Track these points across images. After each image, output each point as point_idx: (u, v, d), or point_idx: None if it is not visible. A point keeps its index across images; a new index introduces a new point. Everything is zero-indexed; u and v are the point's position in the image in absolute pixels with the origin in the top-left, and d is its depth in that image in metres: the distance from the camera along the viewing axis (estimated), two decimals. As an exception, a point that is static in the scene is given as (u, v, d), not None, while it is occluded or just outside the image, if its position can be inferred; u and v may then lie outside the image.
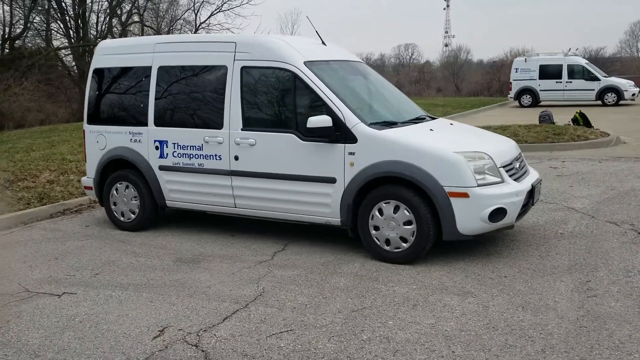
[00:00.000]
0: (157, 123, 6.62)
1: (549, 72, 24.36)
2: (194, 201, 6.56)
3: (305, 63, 5.88)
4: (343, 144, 5.61)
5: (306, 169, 5.81)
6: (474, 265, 5.44)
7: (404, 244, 5.47)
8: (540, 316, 4.30)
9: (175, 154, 6.51)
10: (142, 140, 6.70)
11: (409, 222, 5.42)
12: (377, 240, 5.59)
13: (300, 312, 4.52)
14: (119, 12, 34.00)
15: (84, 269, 5.71)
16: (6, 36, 23.84)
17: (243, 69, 6.11)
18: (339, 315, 4.44)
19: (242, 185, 6.16)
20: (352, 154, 5.59)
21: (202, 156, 6.34)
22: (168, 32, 35.53)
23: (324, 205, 5.79)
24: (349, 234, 5.81)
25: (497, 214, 5.30)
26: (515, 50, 56.16)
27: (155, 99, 6.63)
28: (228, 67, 6.18)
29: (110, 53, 7.08)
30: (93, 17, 32.30)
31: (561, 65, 24.29)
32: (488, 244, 6.01)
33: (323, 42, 6.60)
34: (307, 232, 6.48)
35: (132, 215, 6.92)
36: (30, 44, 26.40)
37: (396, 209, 5.46)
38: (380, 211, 5.54)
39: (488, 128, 14.87)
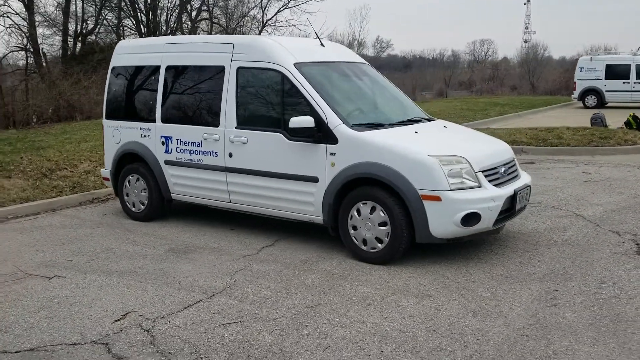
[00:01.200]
0: (164, 119, 6.96)
1: (615, 72, 23.26)
2: (195, 195, 6.87)
3: (295, 64, 6.03)
4: (325, 145, 5.75)
5: (292, 168, 5.98)
6: (448, 268, 5.45)
7: (380, 245, 5.55)
8: (487, 322, 4.30)
9: (179, 150, 6.83)
10: (151, 136, 7.07)
11: (384, 223, 5.50)
12: (355, 240, 5.69)
13: (257, 305, 4.70)
14: (189, 8, 35.11)
15: (83, 254, 6.12)
16: (78, 32, 25.26)
17: (239, 69, 6.35)
18: (292, 310, 4.60)
19: (236, 181, 6.41)
20: (333, 154, 5.72)
21: (201, 152, 6.63)
22: (235, 29, 36.44)
23: (308, 204, 5.94)
24: (330, 233, 5.94)
25: (471, 218, 5.29)
26: (596, 47, 53.91)
27: (163, 96, 6.98)
28: (226, 67, 6.43)
29: (127, 52, 7.50)
30: (164, 14, 33.57)
31: (629, 65, 23.14)
32: (472, 248, 5.98)
33: (322, 44, 6.73)
34: (301, 228, 6.63)
35: (142, 206, 7.32)
36: (102, 40, 27.75)
37: (372, 209, 5.55)
38: (359, 211, 5.64)
39: (534, 129, 14.54)
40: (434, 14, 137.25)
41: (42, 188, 9.05)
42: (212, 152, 6.53)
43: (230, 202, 6.56)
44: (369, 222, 5.58)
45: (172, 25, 33.42)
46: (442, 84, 55.21)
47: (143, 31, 31.76)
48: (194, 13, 35.73)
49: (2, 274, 5.54)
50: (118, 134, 7.45)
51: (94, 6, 26.58)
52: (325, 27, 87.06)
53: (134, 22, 31.83)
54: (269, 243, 6.37)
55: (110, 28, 29.44)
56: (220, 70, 6.48)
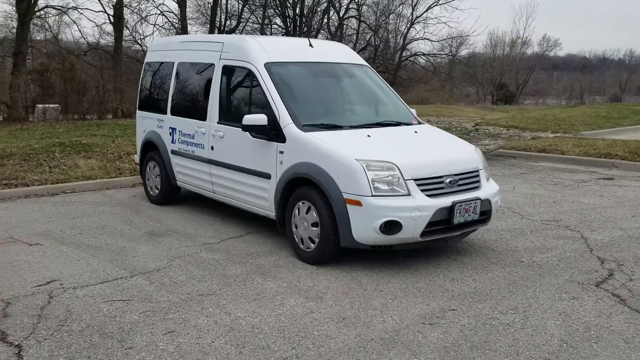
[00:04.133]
0: (172, 112, 7.55)
1: None
2: (190, 184, 7.38)
3: (266, 64, 6.24)
4: (277, 143, 5.91)
5: (253, 164, 6.22)
6: (372, 275, 5.36)
7: (312, 245, 5.61)
8: (343, 330, 4.24)
9: (180, 141, 7.38)
10: (163, 127, 7.71)
11: (316, 224, 5.54)
12: (296, 238, 5.80)
13: (161, 288, 5.04)
14: (337, 5, 36.06)
15: (78, 228, 6.89)
16: (222, 29, 27.22)
17: (223, 67, 6.71)
18: (184, 296, 4.88)
19: (216, 173, 6.79)
20: (281, 152, 5.86)
21: (193, 144, 7.11)
22: (379, 27, 36.70)
23: (264, 199, 6.15)
24: (278, 229, 6.09)
25: (392, 226, 5.16)
26: None
27: (173, 91, 7.56)
28: (215, 64, 6.83)
29: (156, 49, 8.21)
30: (313, 13, 34.83)
31: None
32: (423, 257, 5.78)
33: (310, 44, 6.83)
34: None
35: (157, 191, 8.00)
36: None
37: (308, 209, 5.62)
38: (299, 210, 5.73)
39: (627, 142, 13.07)
40: (622, 10, 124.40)
41: (107, 169, 10.16)
42: (201, 144, 6.97)
43: (214, 193, 6.97)
44: (305, 222, 5.65)
45: (319, 23, 34.59)
46: (617, 88, 50.71)
47: (289, 28, 33.31)
48: (342, 11, 36.64)
49: (-4, 238, 6.48)
50: (144, 124, 8.19)
51: (238, 3, 28.47)
52: (478, 24, 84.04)
53: (282, 20, 33.51)
54: (239, 234, 6.67)
55: (258, 25, 31.28)
56: (212, 67, 6.89)
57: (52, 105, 19.27)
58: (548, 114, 21.70)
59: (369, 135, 5.86)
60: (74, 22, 22.37)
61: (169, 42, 8.22)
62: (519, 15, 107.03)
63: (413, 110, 6.95)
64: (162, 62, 7.95)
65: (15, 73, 18.75)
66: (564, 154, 12.70)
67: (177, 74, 7.55)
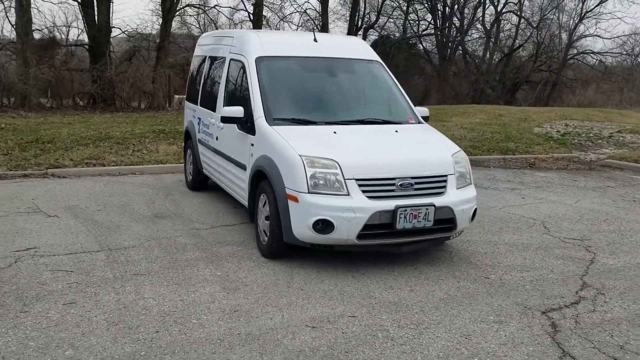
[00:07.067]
0: (201, 104, 7.94)
1: None
2: (209, 172, 7.72)
3: (257, 58, 6.34)
4: (250, 135, 6.01)
5: (236, 155, 6.39)
6: (310, 274, 5.27)
7: (266, 238, 5.63)
8: (220, 322, 4.26)
9: (202, 131, 7.75)
10: (195, 117, 8.14)
11: (268, 218, 5.56)
12: (258, 230, 5.86)
13: (108, 264, 5.39)
14: (495, 1, 34.50)
15: (102, 205, 7.54)
16: (359, 25, 27.41)
17: (230, 60, 6.93)
18: (120, 273, 5.18)
19: (219, 162, 7.05)
20: (252, 145, 5.95)
21: (209, 134, 7.44)
22: (540, 22, 34.44)
23: (243, 190, 6.28)
24: (249, 219, 6.20)
25: (325, 226, 5.02)
26: None
27: (202, 83, 7.95)
28: (226, 58, 7.08)
29: (200, 44, 8.66)
30: (466, 7, 33.73)
31: None
32: (383, 263, 5.54)
33: (315, 39, 6.77)
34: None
35: (190, 177, 8.47)
36: (391, 34, 29.54)
37: (265, 203, 5.65)
38: (261, 203, 5.79)
39: None
40: None
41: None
42: (212, 134, 7.28)
43: (220, 181, 7.24)
44: (262, 215, 5.70)
45: (471, 17, 33.38)
46: None
47: (438, 23, 32.57)
48: (500, 5, 34.99)
49: (26, 207, 7.31)
50: (187, 114, 8.70)
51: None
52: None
53: (431, 15, 32.85)
54: (233, 223, 6.87)
55: (408, 21, 31.02)
56: (224, 60, 7.15)
57: (187, 96, 20.89)
58: None
59: (335, 132, 5.71)
60: (212, 20, 23.93)
61: (206, 36, 8.64)
62: None
63: (419, 109, 6.62)
64: (199, 56, 8.40)
65: (157, 66, 20.65)
66: (679, 168, 11.12)
67: (206, 67, 7.92)
